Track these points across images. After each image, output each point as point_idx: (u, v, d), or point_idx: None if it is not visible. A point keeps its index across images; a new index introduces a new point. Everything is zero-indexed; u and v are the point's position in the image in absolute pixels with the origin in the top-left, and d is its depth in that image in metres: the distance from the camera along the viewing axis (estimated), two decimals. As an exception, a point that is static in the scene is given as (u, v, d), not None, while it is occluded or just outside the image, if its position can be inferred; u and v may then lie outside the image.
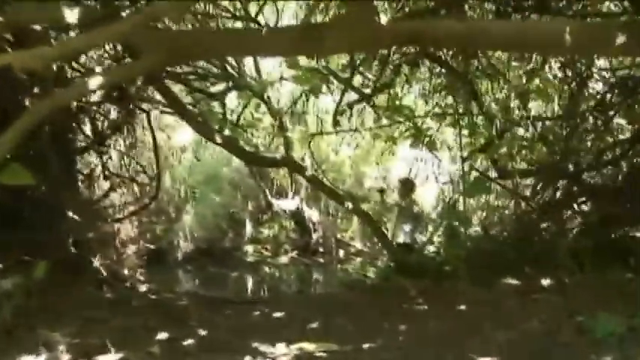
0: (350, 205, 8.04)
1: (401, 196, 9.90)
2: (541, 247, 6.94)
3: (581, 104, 8.69)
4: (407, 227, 9.44)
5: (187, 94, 8.66)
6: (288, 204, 14.55)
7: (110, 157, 7.84)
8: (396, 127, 9.91)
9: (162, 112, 8.06)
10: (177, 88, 8.96)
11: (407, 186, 9.88)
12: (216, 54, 5.62)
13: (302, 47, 4.31)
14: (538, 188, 9.35)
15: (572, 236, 7.45)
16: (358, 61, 7.88)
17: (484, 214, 11.91)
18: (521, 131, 9.37)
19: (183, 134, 14.70)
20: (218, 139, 7.81)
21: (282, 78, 9.64)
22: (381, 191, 11.65)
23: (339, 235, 15.00)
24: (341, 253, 14.71)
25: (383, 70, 7.76)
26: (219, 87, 8.98)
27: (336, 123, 7.82)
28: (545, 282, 5.99)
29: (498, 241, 7.67)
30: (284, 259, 14.64)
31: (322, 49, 4.54)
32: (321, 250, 14.65)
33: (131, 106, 7.06)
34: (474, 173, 10.30)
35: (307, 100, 9.48)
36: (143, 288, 7.70)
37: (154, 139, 7.67)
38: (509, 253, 6.77)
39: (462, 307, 5.51)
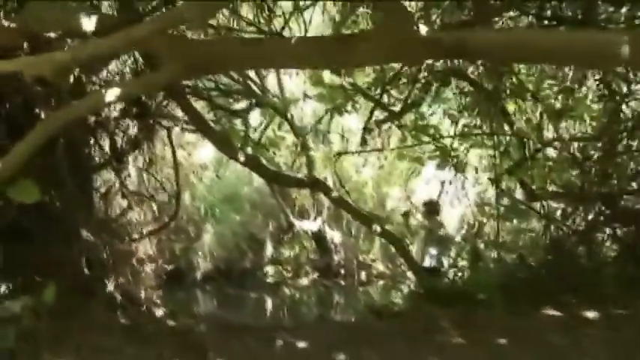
0: (377, 227, 7.63)
1: (426, 218, 9.50)
2: (580, 273, 6.46)
3: (617, 124, 8.28)
4: (433, 251, 9.03)
5: (209, 110, 8.32)
6: (310, 225, 14.11)
7: (129, 175, 7.46)
8: (422, 148, 9.54)
9: (183, 129, 7.71)
10: (199, 105, 8.68)
11: (432, 208, 9.47)
12: (241, 65, 5.24)
13: (334, 58, 3.93)
14: (569, 212, 8.91)
15: (612, 263, 6.99)
16: (387, 79, 7.51)
17: (512, 237, 11.52)
18: (552, 152, 8.96)
19: (204, 152, 14.42)
20: (241, 158, 7.49)
21: (305, 96, 9.32)
22: (406, 214, 11.22)
23: (360, 257, 14.53)
24: (362, 275, 14.25)
25: (412, 88, 7.38)
26: (242, 104, 8.68)
27: (363, 141, 7.43)
28: (590, 314, 5.53)
29: (533, 267, 7.19)
30: (305, 281, 14.21)
31: (356, 60, 4.17)
32: (342, 272, 14.20)
33: (151, 121, 6.70)
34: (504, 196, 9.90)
35: (331, 118, 9.10)
36: (159, 312, 7.30)
37: (175, 156, 7.31)
38: (546, 280, 6.30)
39: (501, 340, 5.06)
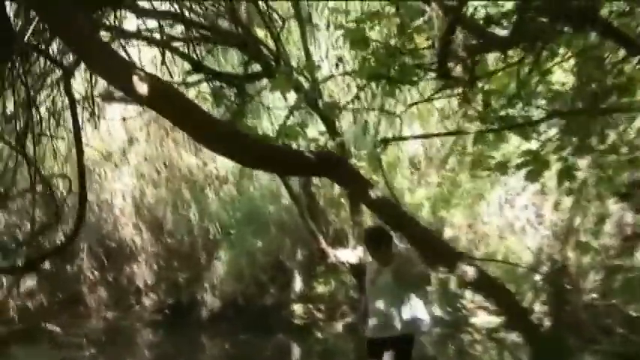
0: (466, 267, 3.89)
1: (372, 254, 5.45)
2: None
3: None
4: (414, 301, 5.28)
5: (187, 72, 5.09)
6: (349, 254, 10.73)
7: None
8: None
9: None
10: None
11: (378, 239, 5.39)
12: None
13: None
14: None
15: None
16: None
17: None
18: None
19: (224, 160, 11.35)
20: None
21: (339, 62, 6.03)
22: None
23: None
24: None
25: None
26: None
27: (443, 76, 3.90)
28: None
29: None
30: (340, 326, 10.90)
31: None
32: (388, 314, 10.78)
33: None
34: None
35: (377, 95, 5.73)
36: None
37: (77, 130, 3.78)
38: None
39: None
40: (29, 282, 10.25)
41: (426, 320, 4.96)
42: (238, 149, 2.97)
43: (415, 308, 4.85)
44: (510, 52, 4.69)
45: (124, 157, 10.45)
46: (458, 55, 3.63)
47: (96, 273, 10.58)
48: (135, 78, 2.50)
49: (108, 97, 6.64)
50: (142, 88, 2.51)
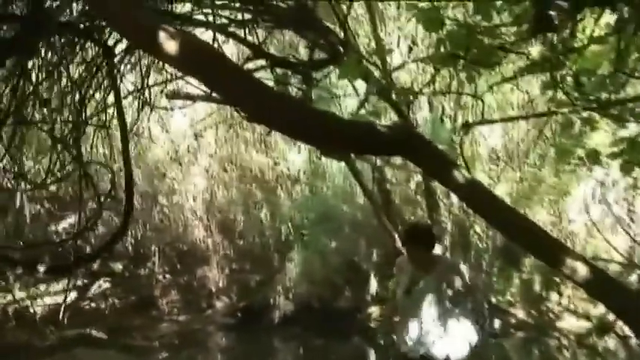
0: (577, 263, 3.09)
1: (409, 255, 4.74)
2: None
3: None
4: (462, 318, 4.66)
5: (246, 59, 4.77)
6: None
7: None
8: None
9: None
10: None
11: (417, 237, 4.69)
12: None
13: None
14: None
15: None
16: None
17: None
18: None
19: (295, 159, 11.03)
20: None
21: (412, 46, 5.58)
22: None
23: (493, 299, 10.46)
24: (496, 323, 10.20)
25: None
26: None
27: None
28: None
29: None
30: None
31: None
32: (468, 317, 10.20)
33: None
34: None
35: (453, 79, 5.25)
36: None
37: (121, 116, 3.41)
38: None
39: None
40: (104, 285, 10.32)
41: (472, 339, 4.46)
42: (300, 122, 2.56)
43: (459, 325, 4.37)
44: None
45: (193, 158, 10.31)
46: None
47: (167, 276, 10.46)
48: (163, 33, 2.12)
49: (173, 95, 6.44)
50: (174, 46, 2.13)
